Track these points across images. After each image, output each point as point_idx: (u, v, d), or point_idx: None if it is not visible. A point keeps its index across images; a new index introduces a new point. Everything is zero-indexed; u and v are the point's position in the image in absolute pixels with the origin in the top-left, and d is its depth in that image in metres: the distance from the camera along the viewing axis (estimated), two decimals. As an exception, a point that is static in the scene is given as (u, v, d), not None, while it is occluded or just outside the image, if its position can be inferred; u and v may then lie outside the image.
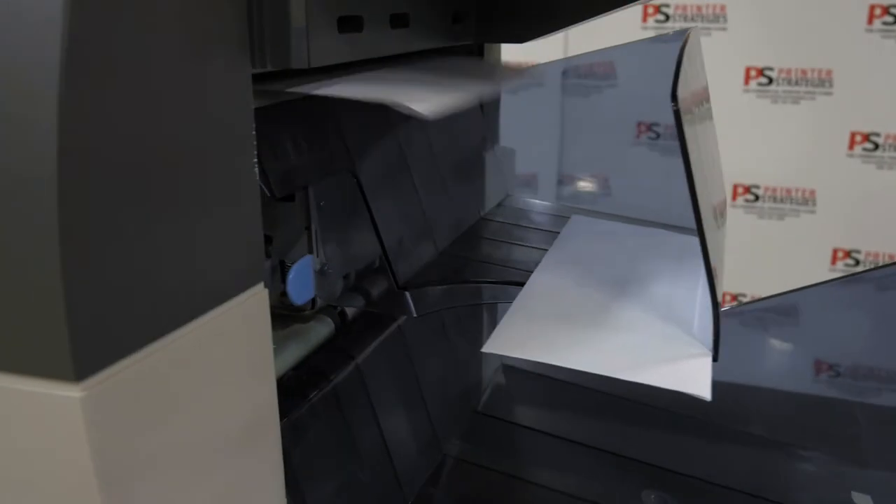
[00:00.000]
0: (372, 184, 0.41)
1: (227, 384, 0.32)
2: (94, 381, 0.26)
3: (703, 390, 0.32)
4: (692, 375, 0.32)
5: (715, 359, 0.35)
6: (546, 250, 0.47)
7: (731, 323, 0.83)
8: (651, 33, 1.86)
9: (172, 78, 0.27)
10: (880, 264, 1.86)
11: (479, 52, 0.57)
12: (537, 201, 0.59)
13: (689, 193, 0.33)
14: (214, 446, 0.32)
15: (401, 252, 0.43)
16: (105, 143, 0.24)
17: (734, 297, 1.97)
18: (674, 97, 0.32)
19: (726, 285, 1.94)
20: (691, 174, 0.32)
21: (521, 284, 0.41)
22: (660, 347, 0.34)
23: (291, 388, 0.41)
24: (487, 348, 0.36)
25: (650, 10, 1.85)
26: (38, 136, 0.23)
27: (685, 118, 0.32)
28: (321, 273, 0.43)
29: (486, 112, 0.60)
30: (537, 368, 0.63)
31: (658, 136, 1.93)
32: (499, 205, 0.57)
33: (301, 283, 0.41)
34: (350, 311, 0.47)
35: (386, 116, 0.44)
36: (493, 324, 0.45)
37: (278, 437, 0.35)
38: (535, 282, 0.42)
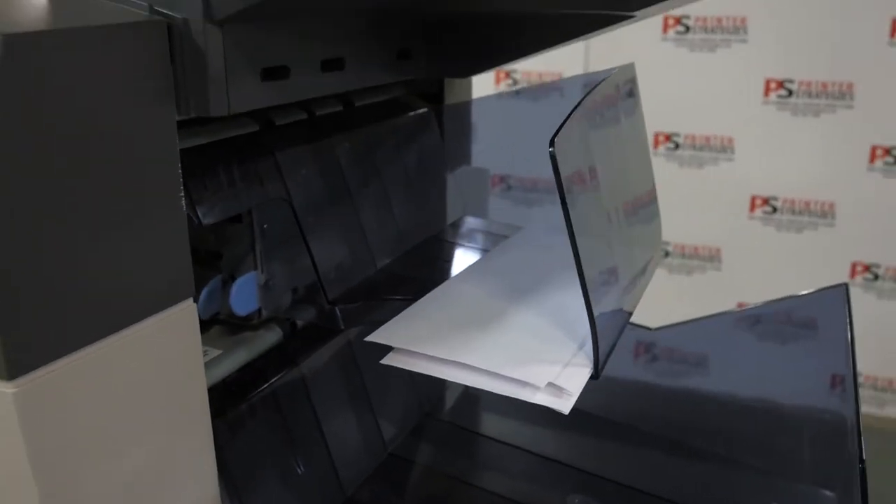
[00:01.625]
0: (307, 209, 0.45)
1: (156, 388, 0.37)
2: (25, 380, 0.31)
3: (563, 405, 0.36)
4: (557, 388, 0.36)
5: (595, 376, 0.39)
6: (480, 269, 0.51)
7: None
8: (671, 45, 1.88)
9: (100, 123, 0.32)
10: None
11: (437, 87, 0.61)
12: (492, 221, 0.63)
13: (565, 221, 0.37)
14: (144, 443, 0.37)
15: (335, 270, 0.48)
16: (30, 172, 0.29)
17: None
18: (552, 143, 0.36)
19: (744, 298, 1.94)
20: (564, 201, 0.36)
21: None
22: (535, 357, 0.38)
23: (233, 390, 0.46)
24: (369, 338, 0.40)
25: (671, 22, 1.87)
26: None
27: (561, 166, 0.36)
28: (266, 287, 0.48)
29: (450, 136, 0.65)
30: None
31: (677, 146, 1.95)
32: (452, 224, 0.62)
33: (243, 296, 0.46)
34: (301, 322, 0.52)
35: (328, 146, 0.49)
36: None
37: (210, 436, 0.40)
38: (444, 288, 0.47)
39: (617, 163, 0.45)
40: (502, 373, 0.37)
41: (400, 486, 0.54)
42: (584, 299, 0.38)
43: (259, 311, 0.48)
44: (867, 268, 1.87)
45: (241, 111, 0.37)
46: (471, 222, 0.63)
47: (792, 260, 1.90)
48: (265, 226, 0.46)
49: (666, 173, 1.96)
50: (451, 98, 0.63)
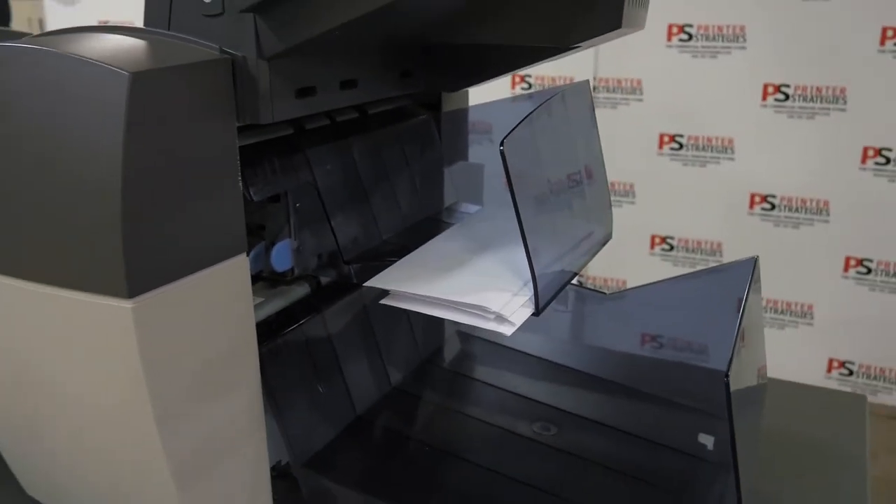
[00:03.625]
0: (329, 192, 0.60)
1: (222, 314, 0.52)
2: (140, 298, 0.46)
3: (506, 330, 0.49)
4: (502, 317, 0.50)
5: (536, 314, 0.53)
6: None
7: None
8: (675, 51, 2.00)
9: (189, 130, 0.47)
10: (892, 273, 1.95)
11: (437, 98, 0.76)
12: (477, 207, 0.77)
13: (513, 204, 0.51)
14: (213, 355, 0.52)
15: (350, 239, 0.62)
16: (147, 165, 0.45)
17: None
18: (502, 143, 0.51)
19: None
20: (512, 188, 0.50)
21: (423, 262, 0.59)
22: (490, 294, 0.52)
23: (272, 328, 0.61)
24: (367, 283, 0.55)
25: (675, 30, 1.99)
26: (107, 164, 0.43)
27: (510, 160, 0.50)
28: (298, 251, 0.63)
29: (448, 136, 0.79)
30: (485, 335, 0.82)
31: (681, 146, 2.07)
32: (447, 208, 0.76)
33: (281, 257, 0.61)
34: (324, 279, 0.67)
35: (346, 145, 0.64)
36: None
37: (256, 357, 0.55)
38: (426, 246, 0.61)
39: (563, 158, 0.60)
40: (463, 304, 0.51)
41: (401, 410, 0.69)
42: (527, 259, 0.52)
43: (292, 269, 0.63)
44: (860, 262, 1.98)
45: (281, 119, 0.52)
46: (461, 206, 0.77)
47: (789, 254, 2.01)
48: (297, 205, 0.61)
49: (670, 172, 2.08)
50: (448, 106, 0.77)
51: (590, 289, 0.74)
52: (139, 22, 0.54)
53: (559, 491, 0.60)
